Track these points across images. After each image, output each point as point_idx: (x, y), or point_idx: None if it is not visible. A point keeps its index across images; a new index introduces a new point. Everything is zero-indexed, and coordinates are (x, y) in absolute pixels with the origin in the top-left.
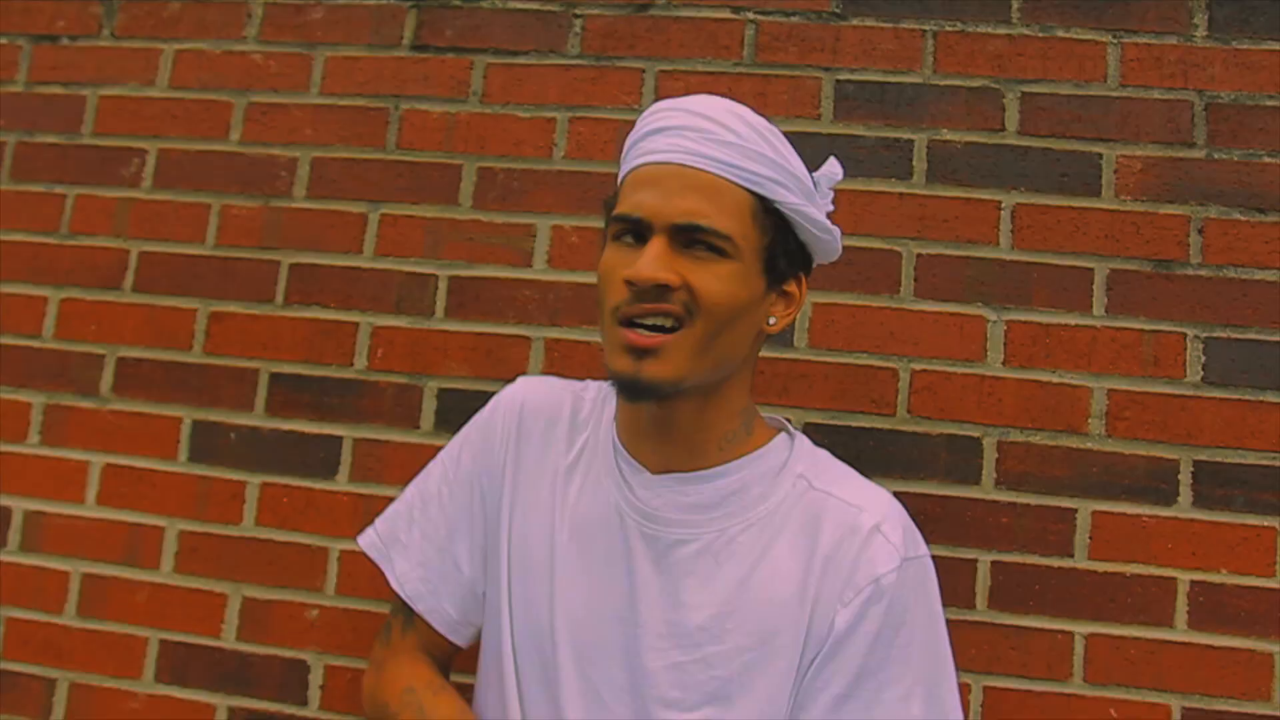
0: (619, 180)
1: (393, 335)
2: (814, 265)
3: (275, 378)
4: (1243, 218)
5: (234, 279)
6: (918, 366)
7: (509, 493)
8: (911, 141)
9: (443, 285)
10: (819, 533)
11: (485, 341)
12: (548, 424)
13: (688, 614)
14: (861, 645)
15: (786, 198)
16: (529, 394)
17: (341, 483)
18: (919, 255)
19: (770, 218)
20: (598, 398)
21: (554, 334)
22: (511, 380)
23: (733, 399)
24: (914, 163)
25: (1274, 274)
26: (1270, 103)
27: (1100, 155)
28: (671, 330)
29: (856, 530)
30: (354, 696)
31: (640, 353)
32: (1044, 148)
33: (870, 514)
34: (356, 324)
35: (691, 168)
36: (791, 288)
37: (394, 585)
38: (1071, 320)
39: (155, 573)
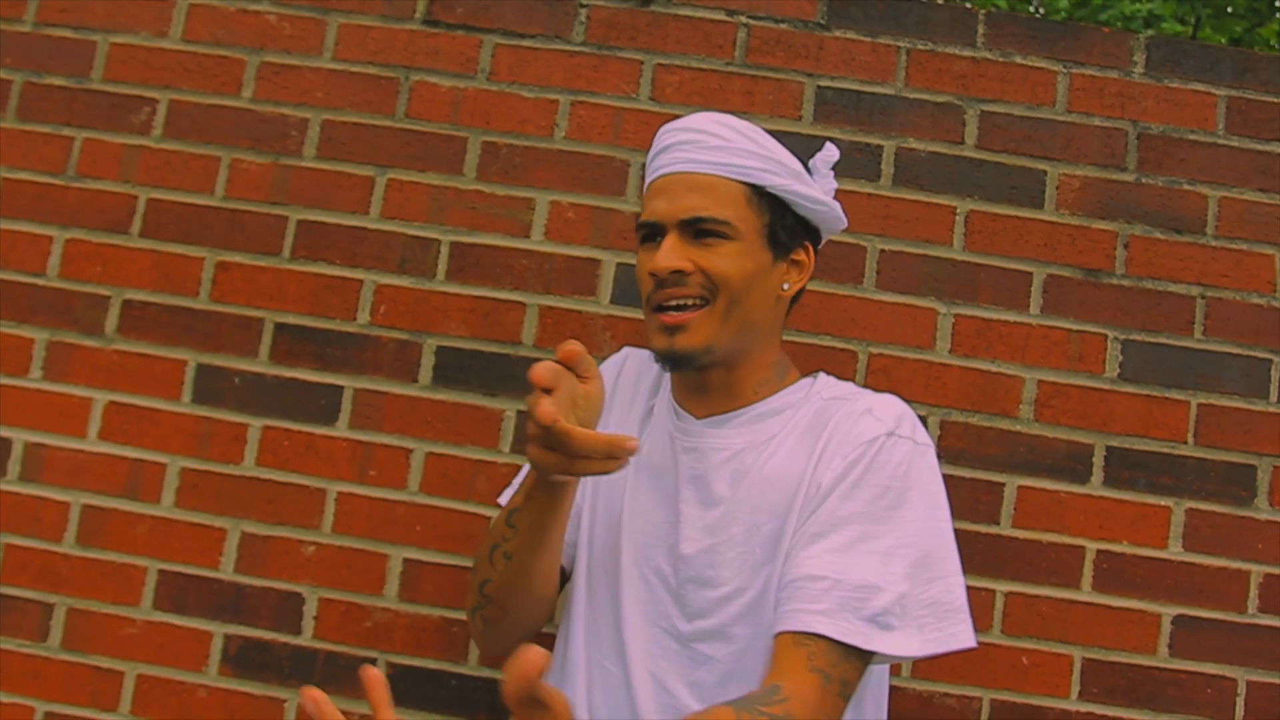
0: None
1: (395, 294)
2: (823, 234)
3: (280, 327)
4: (1162, 236)
5: (242, 231)
6: (875, 350)
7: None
8: (881, 147)
9: (445, 249)
10: (825, 425)
11: (483, 305)
12: (637, 379)
13: (714, 507)
14: (840, 494)
15: (774, 181)
16: (629, 356)
17: (341, 429)
18: (881, 250)
19: (765, 200)
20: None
21: (548, 301)
22: (513, 342)
23: (763, 356)
24: (882, 166)
25: (1184, 287)
26: (1193, 136)
27: (1045, 172)
28: (696, 308)
29: (852, 413)
30: (346, 627)
31: (672, 330)
32: (997, 161)
33: (868, 403)
34: (361, 281)
35: (690, 173)
36: (800, 256)
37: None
38: (1011, 317)
39: (156, 506)
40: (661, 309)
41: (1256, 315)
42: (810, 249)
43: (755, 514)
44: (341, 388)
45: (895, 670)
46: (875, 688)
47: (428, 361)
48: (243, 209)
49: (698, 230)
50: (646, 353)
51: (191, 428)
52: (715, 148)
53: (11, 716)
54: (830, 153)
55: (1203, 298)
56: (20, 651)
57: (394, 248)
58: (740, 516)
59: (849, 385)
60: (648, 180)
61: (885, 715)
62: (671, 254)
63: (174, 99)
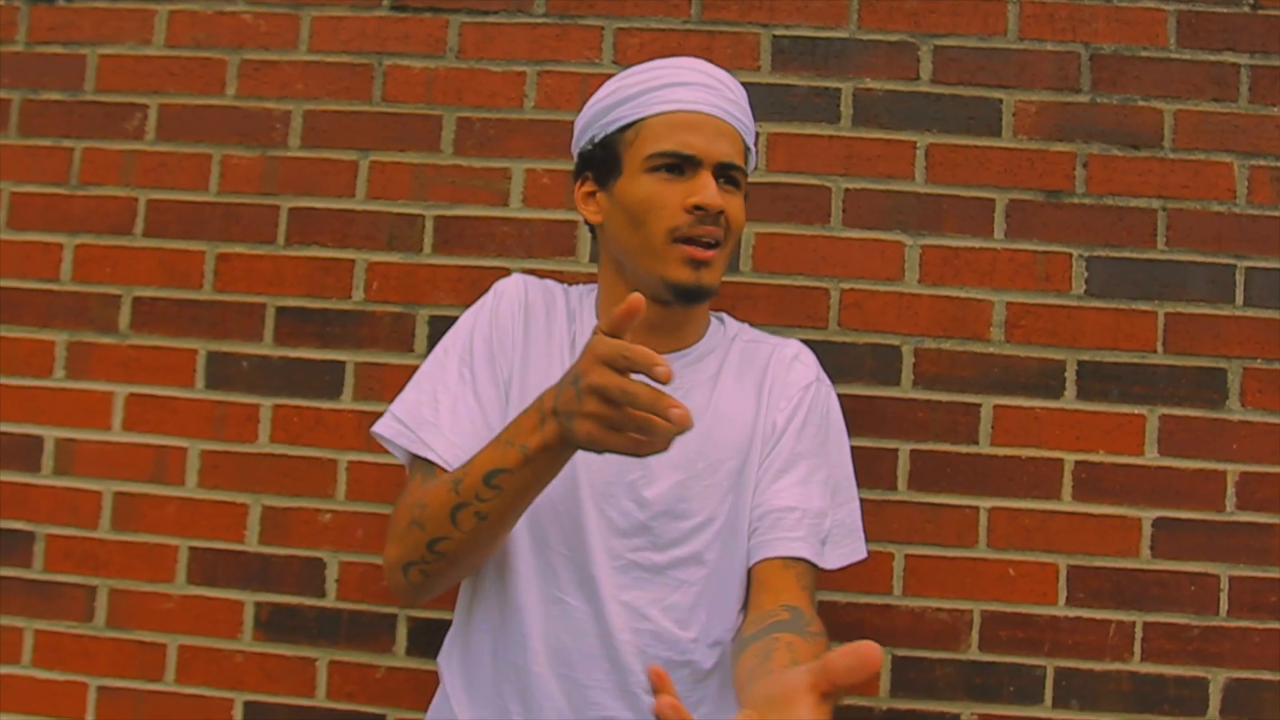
0: (622, 124)
1: (386, 270)
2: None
3: (281, 310)
4: (1120, 153)
5: (238, 222)
6: (846, 286)
7: (519, 368)
8: (839, 90)
9: (429, 224)
10: (757, 364)
11: (470, 273)
12: (547, 310)
13: (677, 443)
14: (792, 433)
15: (751, 145)
16: (528, 285)
17: (346, 402)
18: (846, 190)
19: (747, 159)
20: (579, 296)
21: (530, 265)
22: None
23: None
24: (841, 108)
25: (1145, 201)
26: (1145, 53)
27: (1001, 100)
28: (715, 247)
29: (783, 359)
30: (365, 587)
31: (699, 264)
32: (953, 94)
33: (791, 350)
34: (353, 260)
35: (718, 118)
36: None
37: (433, 458)
38: (976, 244)
39: (181, 488)
40: (693, 243)
41: (1218, 222)
42: None
43: (718, 449)
44: (343, 363)
45: (887, 589)
46: None
47: (421, 331)
48: (237, 202)
49: (725, 176)
50: (545, 283)
51: (207, 412)
52: (732, 100)
53: (67, 693)
54: None
55: (1164, 210)
56: (70, 633)
57: (382, 226)
58: (705, 452)
59: (749, 327)
60: (653, 108)
61: None
62: (718, 194)
63: (163, 103)
